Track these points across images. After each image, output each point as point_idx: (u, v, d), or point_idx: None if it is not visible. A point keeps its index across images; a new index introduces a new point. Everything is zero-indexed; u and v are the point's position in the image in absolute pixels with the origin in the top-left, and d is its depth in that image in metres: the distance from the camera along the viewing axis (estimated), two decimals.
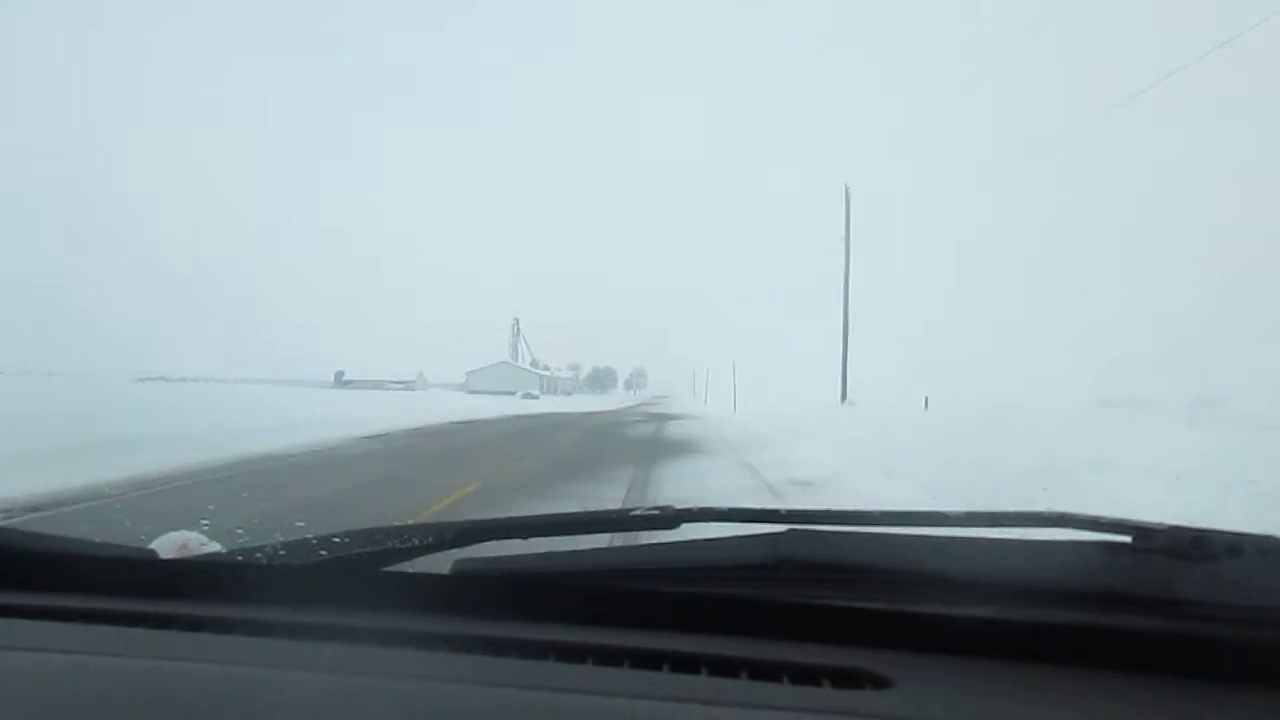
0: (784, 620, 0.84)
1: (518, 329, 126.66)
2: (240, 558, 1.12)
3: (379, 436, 16.52)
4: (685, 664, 0.77)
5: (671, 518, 1.18)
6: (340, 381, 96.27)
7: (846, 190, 30.32)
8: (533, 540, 1.17)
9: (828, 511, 1.14)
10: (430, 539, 1.14)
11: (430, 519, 4.09)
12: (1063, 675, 0.76)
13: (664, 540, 1.09)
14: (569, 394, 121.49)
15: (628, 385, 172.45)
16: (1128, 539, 0.87)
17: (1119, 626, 0.78)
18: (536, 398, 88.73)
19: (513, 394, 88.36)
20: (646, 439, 18.88)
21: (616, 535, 1.24)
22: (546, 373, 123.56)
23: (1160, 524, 0.87)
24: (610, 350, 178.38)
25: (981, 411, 17.02)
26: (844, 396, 29.43)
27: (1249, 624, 0.76)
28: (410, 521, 1.52)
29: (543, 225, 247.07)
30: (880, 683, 0.74)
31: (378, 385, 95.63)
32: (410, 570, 1.07)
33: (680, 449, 15.80)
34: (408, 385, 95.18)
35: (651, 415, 33.53)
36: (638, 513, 1.21)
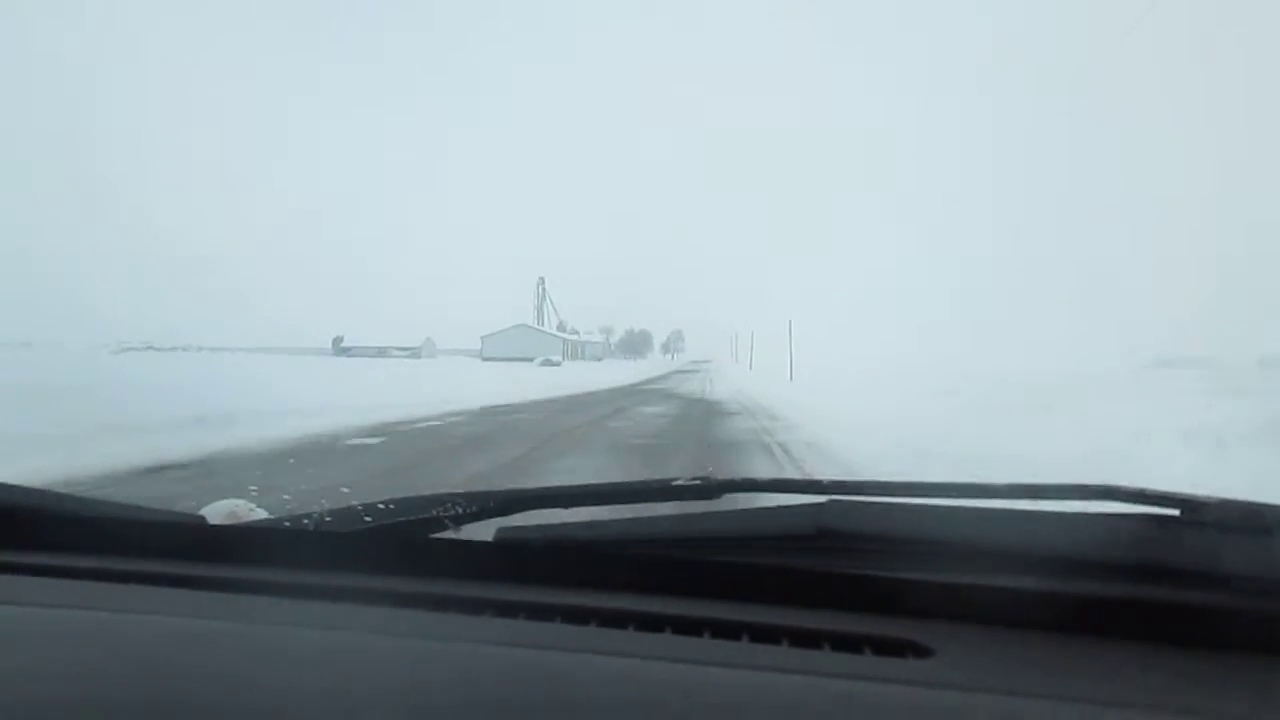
0: (825, 590, 0.85)
1: (543, 289, 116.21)
2: (288, 524, 1.15)
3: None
4: (726, 630, 0.77)
5: (714, 488, 1.20)
6: (339, 349, 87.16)
7: None
8: (575, 509, 1.20)
9: (870, 482, 1.15)
10: (475, 507, 1.16)
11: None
12: (1107, 648, 0.76)
13: (706, 510, 1.12)
14: (598, 359, 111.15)
15: (664, 349, 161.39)
16: (1175, 512, 0.86)
17: (1166, 600, 0.77)
18: (558, 364, 78.50)
19: (531, 360, 78.50)
20: None
21: (659, 505, 1.24)
22: (574, 336, 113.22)
23: (1209, 497, 0.86)
24: (646, 313, 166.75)
25: None
26: None
27: None
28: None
29: (574, 183, 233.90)
30: (921, 651, 0.74)
31: (380, 352, 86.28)
32: (454, 537, 1.10)
33: None
34: (413, 352, 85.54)
35: (669, 404, 22.07)
36: (680, 482, 1.22)
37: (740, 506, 1.06)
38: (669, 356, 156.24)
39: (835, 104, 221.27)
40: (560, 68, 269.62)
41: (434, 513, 1.14)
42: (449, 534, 1.12)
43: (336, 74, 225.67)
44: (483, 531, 1.06)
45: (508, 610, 0.81)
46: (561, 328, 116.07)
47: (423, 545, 1.04)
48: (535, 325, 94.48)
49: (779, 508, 1.00)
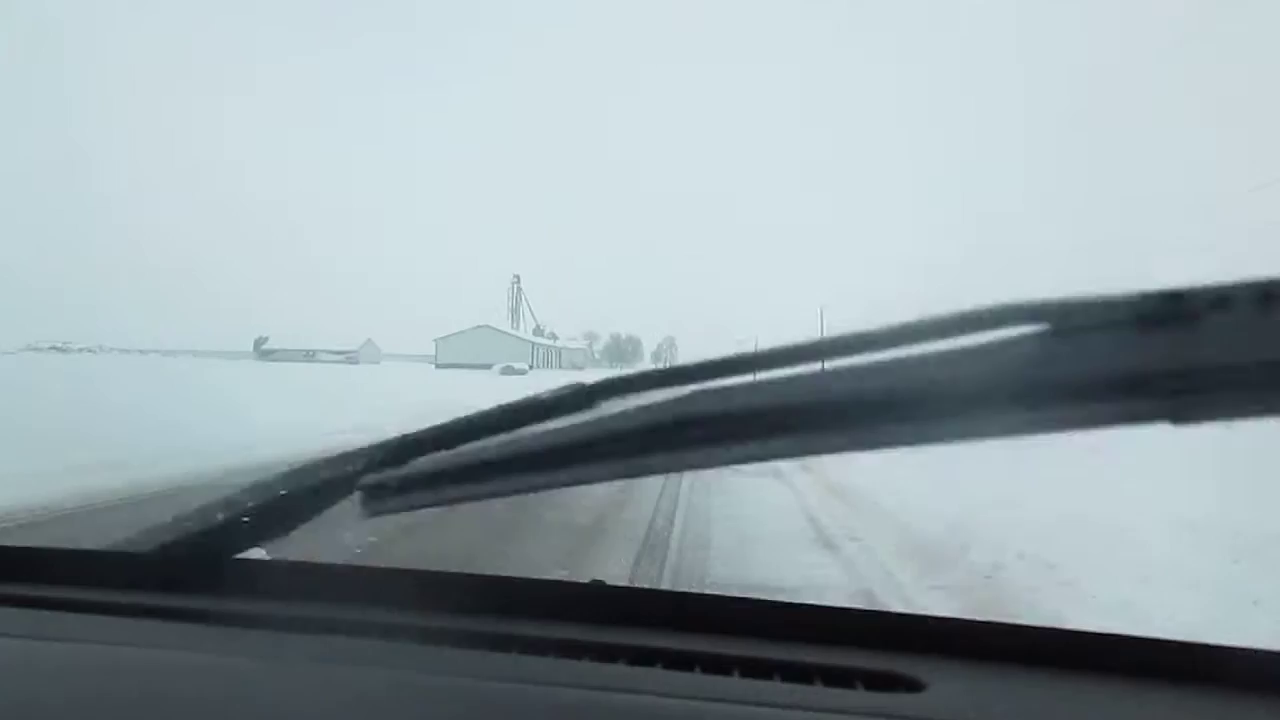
0: (815, 623, 0.86)
1: (518, 289, 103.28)
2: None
3: None
4: (718, 665, 0.78)
5: (586, 396, 1.07)
6: (261, 351, 74.13)
7: None
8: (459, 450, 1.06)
9: (738, 358, 0.96)
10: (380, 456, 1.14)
11: None
12: (1102, 684, 0.76)
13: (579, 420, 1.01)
14: (579, 368, 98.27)
15: (656, 358, 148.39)
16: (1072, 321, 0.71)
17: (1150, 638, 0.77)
18: (523, 373, 65.66)
19: (491, 368, 65.74)
20: None
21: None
22: (551, 342, 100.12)
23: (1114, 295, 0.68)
24: (640, 321, 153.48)
25: None
26: None
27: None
28: None
29: (559, 176, 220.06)
30: (914, 686, 0.74)
31: (309, 356, 72.92)
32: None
33: None
34: (349, 356, 72.25)
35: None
36: (547, 395, 1.10)
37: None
38: (661, 365, 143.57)
39: (850, 90, 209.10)
40: (548, 47, 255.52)
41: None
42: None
43: (265, 52, 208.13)
44: None
45: (501, 644, 0.81)
46: (539, 332, 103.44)
47: (427, 579, 1.02)
48: (501, 327, 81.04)
49: (641, 407, 0.90)
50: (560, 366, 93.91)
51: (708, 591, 0.94)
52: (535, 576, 0.97)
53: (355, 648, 0.80)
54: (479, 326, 79.16)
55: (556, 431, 0.95)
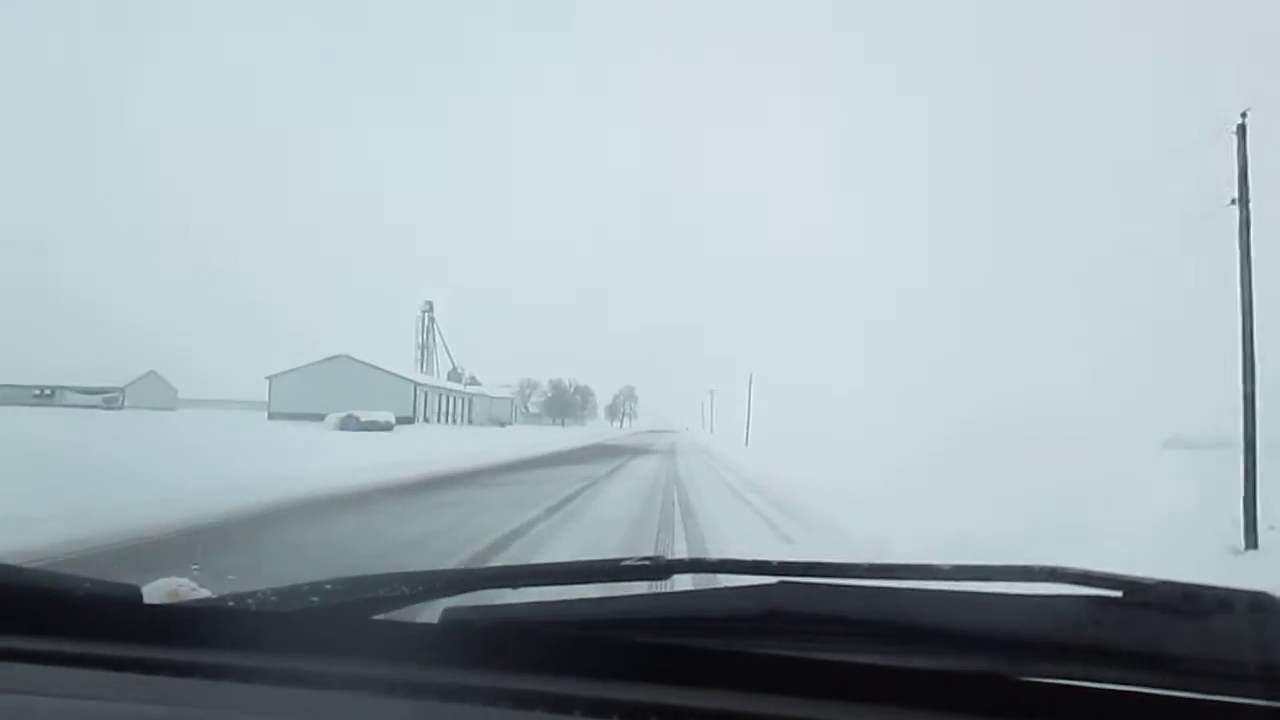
0: (774, 674, 0.85)
1: (429, 320, 79.74)
2: (231, 603, 1.13)
3: None
4: (673, 717, 0.78)
5: (662, 568, 1.22)
6: None
7: None
8: (522, 589, 1.22)
9: (819, 564, 1.15)
10: (420, 587, 1.17)
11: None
12: None
13: (655, 591, 1.15)
14: (503, 423, 74.59)
15: (611, 413, 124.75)
16: (1118, 594, 0.88)
17: (1109, 683, 0.79)
18: (387, 428, 42.38)
19: (344, 419, 42.52)
20: None
21: (607, 585, 1.26)
22: (469, 389, 76.44)
23: (1150, 579, 0.88)
24: (588, 367, 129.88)
25: None
26: None
27: (1239, 680, 0.77)
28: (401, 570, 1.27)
29: (497, 196, 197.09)
30: None
31: (42, 396, 48.67)
32: (399, 619, 1.11)
33: None
34: (108, 399, 48.10)
35: None
36: (628, 563, 1.24)
37: (689, 587, 1.11)
38: (616, 424, 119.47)
39: (827, 128, 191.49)
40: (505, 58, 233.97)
41: (380, 593, 1.13)
42: (395, 615, 1.12)
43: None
44: (429, 612, 1.06)
45: (452, 695, 0.82)
46: (456, 375, 79.68)
47: (368, 627, 1.05)
48: (366, 360, 56.67)
49: (728, 589, 1.01)
50: (471, 421, 69.95)
51: (672, 641, 0.92)
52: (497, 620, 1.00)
53: (328, 701, 0.81)
54: (332, 358, 55.19)
55: (637, 600, 1.04)
